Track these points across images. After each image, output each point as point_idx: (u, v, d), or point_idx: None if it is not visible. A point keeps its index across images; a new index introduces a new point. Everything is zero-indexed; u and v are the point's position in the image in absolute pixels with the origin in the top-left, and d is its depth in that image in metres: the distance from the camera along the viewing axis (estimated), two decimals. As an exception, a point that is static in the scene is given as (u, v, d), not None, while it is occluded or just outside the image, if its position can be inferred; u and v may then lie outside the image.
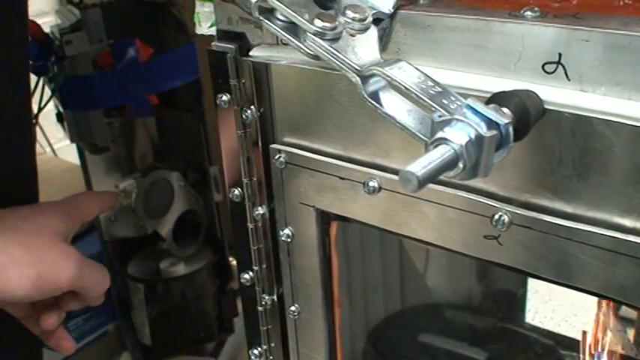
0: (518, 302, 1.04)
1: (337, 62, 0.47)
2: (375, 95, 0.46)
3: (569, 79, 0.47)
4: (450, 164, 0.40)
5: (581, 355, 0.88)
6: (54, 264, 0.70)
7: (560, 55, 0.46)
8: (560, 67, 0.47)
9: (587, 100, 0.46)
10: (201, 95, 1.20)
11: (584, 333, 0.88)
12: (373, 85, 0.46)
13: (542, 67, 0.47)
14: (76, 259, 0.72)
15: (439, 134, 0.40)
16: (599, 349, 0.86)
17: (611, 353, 0.85)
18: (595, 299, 0.84)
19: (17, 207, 0.74)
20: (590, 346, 0.86)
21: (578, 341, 0.90)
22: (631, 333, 0.91)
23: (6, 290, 0.67)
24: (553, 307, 0.88)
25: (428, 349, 0.96)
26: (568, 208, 0.48)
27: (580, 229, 0.47)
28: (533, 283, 0.93)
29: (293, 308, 0.67)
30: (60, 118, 1.22)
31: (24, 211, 0.73)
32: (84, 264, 0.73)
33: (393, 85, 0.45)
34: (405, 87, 0.43)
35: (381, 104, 0.45)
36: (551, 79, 0.47)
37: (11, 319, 0.77)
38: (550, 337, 0.97)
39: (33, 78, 1.12)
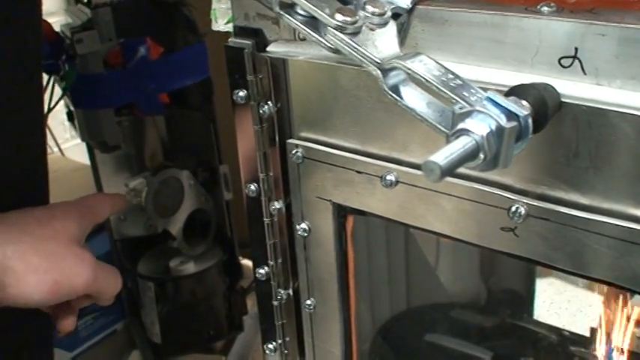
0: (527, 299, 1.04)
1: (358, 56, 0.48)
2: (395, 88, 0.46)
3: (585, 73, 0.47)
4: (471, 155, 0.40)
5: (590, 352, 0.88)
6: (70, 269, 0.71)
7: (576, 49, 0.47)
8: (576, 61, 0.47)
9: (603, 93, 0.46)
10: (211, 94, 1.20)
11: (593, 330, 0.89)
12: (393, 78, 0.47)
13: (559, 61, 0.48)
14: (90, 264, 0.73)
15: (460, 125, 0.41)
16: (609, 346, 0.87)
17: (620, 350, 0.86)
18: (603, 294, 0.85)
19: (32, 209, 0.74)
20: (599, 342, 0.87)
21: (587, 337, 0.91)
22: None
23: (23, 296, 0.68)
24: (568, 298, 0.89)
25: (437, 347, 0.97)
26: (584, 200, 0.49)
27: (596, 220, 0.48)
28: (548, 275, 0.93)
29: (309, 302, 0.67)
30: (70, 117, 1.22)
31: (39, 214, 0.73)
32: (98, 268, 0.74)
33: (413, 78, 0.46)
34: (426, 80, 0.44)
35: (401, 97, 0.46)
36: (568, 73, 0.48)
37: (25, 320, 0.78)
38: (559, 334, 0.97)
39: (44, 77, 1.12)
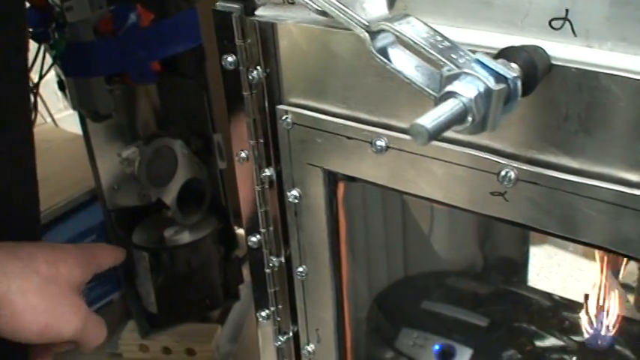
0: (521, 265, 1.05)
1: (345, 18, 0.47)
2: (383, 51, 0.46)
3: (575, 35, 0.47)
4: (459, 117, 0.40)
5: (583, 317, 0.89)
6: (63, 316, 0.74)
7: (567, 10, 0.47)
8: (567, 22, 0.47)
9: (593, 55, 0.46)
10: (203, 62, 1.19)
11: (587, 296, 0.89)
12: (381, 40, 0.46)
13: (549, 23, 0.47)
14: (83, 315, 0.76)
15: (448, 88, 0.40)
16: (601, 311, 0.87)
17: (612, 315, 0.86)
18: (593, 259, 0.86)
19: (43, 246, 0.77)
20: (591, 308, 0.87)
21: (579, 303, 0.92)
22: (631, 296, 0.92)
23: (14, 331, 0.70)
24: (558, 262, 0.89)
25: (434, 314, 0.97)
26: (574, 164, 0.48)
27: (586, 184, 0.48)
28: (537, 239, 0.93)
29: (300, 269, 0.67)
30: (61, 86, 1.21)
31: (48, 255, 0.75)
32: (88, 320, 0.77)
33: (402, 41, 0.45)
34: (414, 42, 0.43)
35: (389, 60, 0.46)
36: (558, 35, 0.47)
37: None
38: (552, 300, 0.98)
39: (34, 46, 1.11)
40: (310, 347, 0.71)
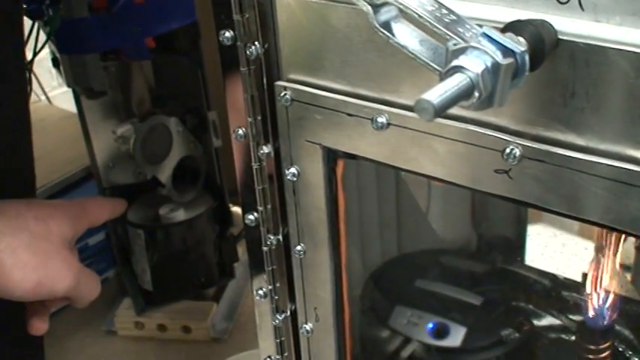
0: (518, 244, 1.04)
1: (348, -9, 0.46)
2: (386, 25, 0.45)
3: (583, 9, 0.45)
4: (465, 93, 0.39)
5: (581, 297, 0.88)
6: (55, 272, 0.73)
7: (574, -16, 0.45)
8: (574, -4, 0.46)
9: (601, 30, 0.45)
10: (198, 39, 1.18)
11: (585, 275, 0.89)
12: (385, 14, 0.45)
13: (556, -4, 0.46)
14: (75, 270, 0.75)
15: (454, 62, 0.39)
16: (600, 291, 0.86)
17: (610, 294, 0.86)
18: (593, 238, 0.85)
19: (31, 202, 0.76)
20: (590, 287, 0.86)
21: (577, 282, 0.91)
22: (629, 275, 0.91)
23: (6, 290, 0.69)
24: (563, 242, 0.89)
25: (429, 292, 0.97)
26: (580, 141, 0.47)
27: (592, 162, 0.47)
28: (543, 218, 0.93)
29: (299, 248, 0.66)
30: (55, 63, 1.20)
31: (37, 211, 0.74)
32: (81, 275, 0.76)
33: (406, 15, 0.44)
34: (419, 15, 0.42)
35: (393, 34, 0.44)
36: (565, 10, 0.46)
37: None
38: (551, 279, 0.97)
39: (27, 23, 1.10)
40: (308, 326, 0.70)
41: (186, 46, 1.19)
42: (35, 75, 1.38)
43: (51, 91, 1.98)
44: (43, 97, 1.89)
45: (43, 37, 1.12)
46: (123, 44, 1.12)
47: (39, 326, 0.80)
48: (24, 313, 0.80)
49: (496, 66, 0.39)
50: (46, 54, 1.20)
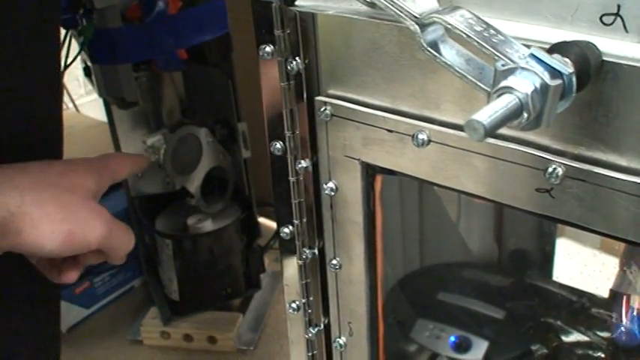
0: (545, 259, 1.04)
1: (395, 10, 0.46)
2: (434, 44, 0.45)
3: (627, 31, 0.46)
4: (514, 113, 0.39)
5: (610, 314, 0.88)
6: (85, 222, 0.71)
7: (618, 6, 0.45)
8: (618, 18, 0.46)
9: (645, 52, 0.45)
10: (229, 50, 1.19)
11: (613, 292, 0.88)
12: (432, 33, 0.45)
13: (600, 18, 0.46)
14: (106, 219, 0.73)
15: (503, 83, 0.40)
16: (629, 308, 0.86)
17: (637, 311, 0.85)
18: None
19: (52, 161, 0.74)
20: (619, 304, 0.86)
21: (607, 299, 0.91)
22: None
23: (37, 244, 0.67)
24: (602, 261, 0.88)
25: (449, 305, 0.97)
26: (622, 161, 0.47)
27: (634, 182, 0.47)
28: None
29: (334, 262, 0.67)
30: (87, 72, 1.21)
31: (59, 167, 0.73)
32: (113, 224, 0.74)
33: (452, 34, 0.45)
34: (467, 35, 0.42)
35: (440, 53, 0.45)
36: (609, 31, 0.46)
37: (35, 275, 0.78)
38: (578, 295, 0.97)
39: (61, 32, 1.11)
40: (342, 340, 0.70)
41: (218, 57, 1.20)
42: (64, 83, 1.40)
43: (79, 99, 2.00)
44: (70, 105, 1.91)
45: (74, 46, 1.13)
46: (155, 55, 1.14)
47: (69, 276, 0.77)
48: (36, 277, 0.78)
49: (545, 87, 0.39)
50: (74, 62, 1.22)
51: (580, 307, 0.96)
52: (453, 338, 0.93)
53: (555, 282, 1.02)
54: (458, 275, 1.03)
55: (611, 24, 0.46)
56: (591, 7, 0.46)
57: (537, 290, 1.01)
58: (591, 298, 0.96)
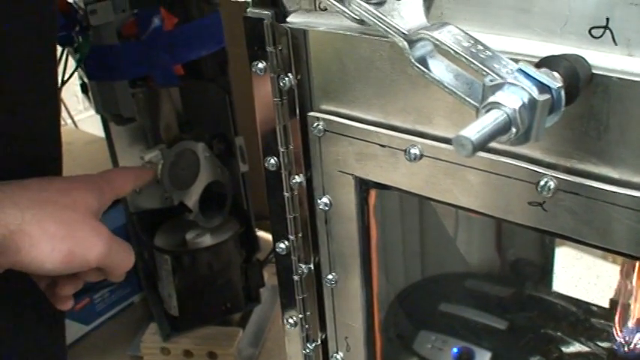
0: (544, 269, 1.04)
1: (383, 26, 0.46)
2: (422, 60, 0.45)
3: (616, 44, 0.46)
4: (503, 129, 0.39)
5: (611, 324, 0.88)
6: (85, 241, 0.71)
7: (607, 19, 0.46)
8: (607, 31, 0.46)
9: (634, 64, 0.45)
10: (226, 65, 1.19)
11: (613, 302, 0.88)
12: (420, 49, 0.45)
13: (589, 31, 0.47)
14: (106, 237, 0.73)
15: (491, 98, 0.40)
16: (630, 318, 0.86)
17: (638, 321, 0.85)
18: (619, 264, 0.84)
19: (53, 178, 0.75)
20: (619, 315, 0.86)
21: (604, 308, 0.91)
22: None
23: (36, 262, 0.67)
24: (597, 273, 0.88)
25: (454, 316, 0.97)
26: (614, 174, 0.48)
27: (626, 195, 0.47)
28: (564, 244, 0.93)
29: (330, 277, 0.67)
30: (84, 88, 1.21)
31: (60, 184, 0.73)
32: (113, 242, 0.74)
33: (441, 50, 0.45)
34: (455, 51, 0.42)
35: (429, 69, 0.45)
36: (598, 44, 0.46)
37: (41, 293, 0.78)
38: (578, 306, 0.97)
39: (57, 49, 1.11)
40: (339, 355, 0.70)
41: (214, 72, 1.20)
42: (62, 99, 1.40)
43: (77, 115, 2.00)
44: (69, 121, 1.91)
45: (71, 63, 1.14)
46: (152, 71, 1.14)
47: (69, 290, 0.78)
48: (43, 294, 0.78)
49: (532, 102, 0.39)
50: (72, 78, 1.22)
51: (580, 317, 0.96)
52: (455, 350, 0.92)
53: (555, 292, 1.02)
54: (459, 287, 1.02)
55: (600, 37, 0.46)
56: (580, 20, 0.47)
57: (537, 301, 1.01)
58: (592, 308, 0.96)
